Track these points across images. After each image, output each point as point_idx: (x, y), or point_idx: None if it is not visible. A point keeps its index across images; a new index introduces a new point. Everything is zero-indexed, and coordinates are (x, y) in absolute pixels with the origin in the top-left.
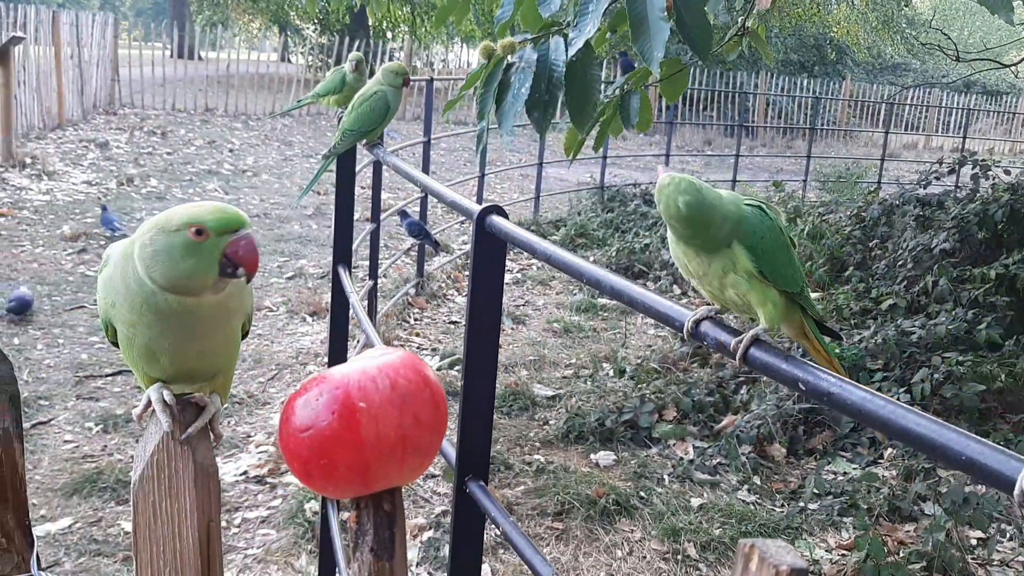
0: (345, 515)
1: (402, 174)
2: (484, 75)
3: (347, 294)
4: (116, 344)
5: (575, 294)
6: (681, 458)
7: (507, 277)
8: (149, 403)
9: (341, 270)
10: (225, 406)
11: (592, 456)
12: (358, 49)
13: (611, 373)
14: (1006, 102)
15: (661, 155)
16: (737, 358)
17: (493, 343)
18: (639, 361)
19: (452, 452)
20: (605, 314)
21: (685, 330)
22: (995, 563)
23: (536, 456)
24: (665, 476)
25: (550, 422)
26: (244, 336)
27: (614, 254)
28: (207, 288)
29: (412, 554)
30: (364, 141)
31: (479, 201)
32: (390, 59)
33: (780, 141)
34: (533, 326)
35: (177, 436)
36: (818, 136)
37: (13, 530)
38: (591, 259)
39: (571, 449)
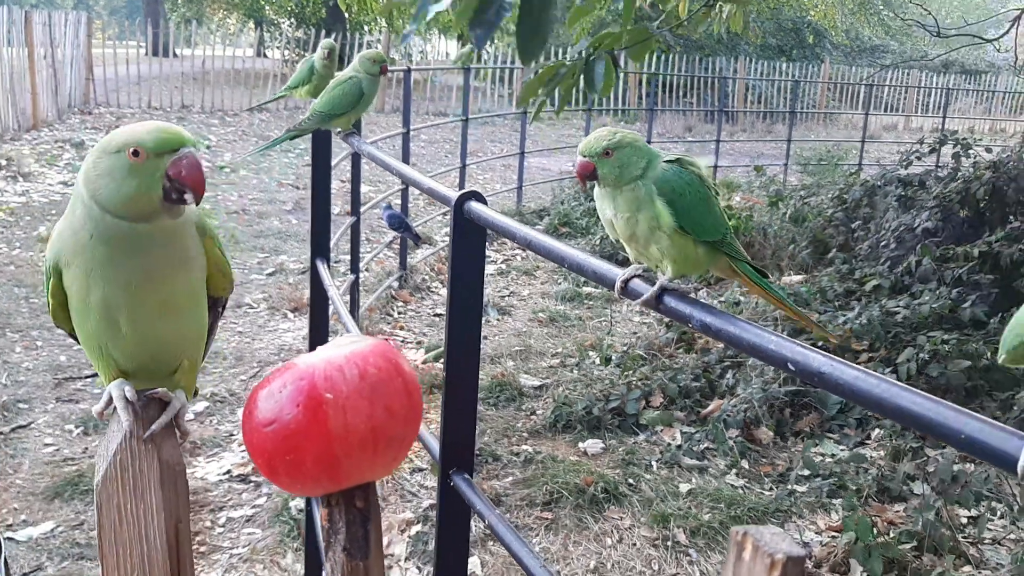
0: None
1: (378, 163)
2: None
3: (326, 288)
4: (74, 337)
5: (560, 283)
6: (669, 444)
7: (491, 268)
8: (111, 400)
9: (320, 264)
10: (205, 405)
11: (580, 445)
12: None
13: (597, 361)
14: (985, 81)
15: None
16: (654, 307)
17: (475, 333)
18: (625, 348)
19: (436, 445)
20: (590, 302)
21: (616, 288)
22: (986, 541)
23: (524, 446)
24: (653, 462)
25: (537, 412)
26: (223, 306)
27: (598, 242)
28: (155, 211)
29: (400, 549)
30: (338, 131)
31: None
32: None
33: (760, 126)
34: (518, 316)
35: (139, 434)
36: (798, 120)
37: None
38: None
39: (559, 438)
